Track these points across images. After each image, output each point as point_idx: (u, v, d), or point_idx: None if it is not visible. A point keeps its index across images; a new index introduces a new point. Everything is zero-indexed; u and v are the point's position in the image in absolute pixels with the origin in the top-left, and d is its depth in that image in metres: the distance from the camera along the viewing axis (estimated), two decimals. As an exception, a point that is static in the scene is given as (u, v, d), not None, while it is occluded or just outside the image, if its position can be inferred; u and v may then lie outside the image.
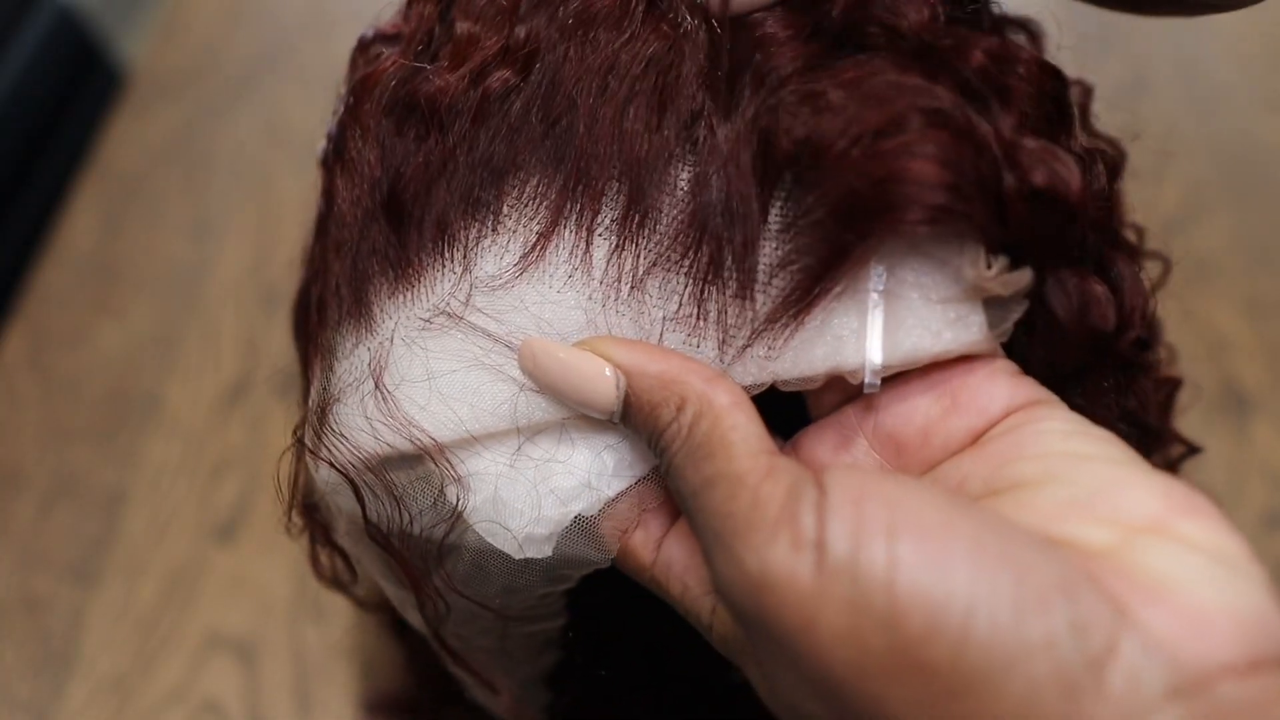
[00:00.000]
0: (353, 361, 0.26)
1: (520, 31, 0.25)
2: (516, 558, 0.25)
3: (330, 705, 0.51)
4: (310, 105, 0.78)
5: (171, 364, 0.64)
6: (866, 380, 0.23)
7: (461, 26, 0.26)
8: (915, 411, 0.24)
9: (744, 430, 0.21)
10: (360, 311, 0.26)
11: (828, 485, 0.20)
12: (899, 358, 0.23)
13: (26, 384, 0.63)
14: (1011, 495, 0.21)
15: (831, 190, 0.22)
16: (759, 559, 0.19)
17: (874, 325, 0.23)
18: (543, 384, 0.24)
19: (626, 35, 0.24)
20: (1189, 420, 0.36)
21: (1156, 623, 0.18)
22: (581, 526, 0.25)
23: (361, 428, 0.25)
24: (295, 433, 0.28)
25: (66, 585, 0.55)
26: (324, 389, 0.27)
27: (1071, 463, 0.21)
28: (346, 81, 0.29)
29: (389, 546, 0.27)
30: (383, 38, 0.30)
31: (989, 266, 0.23)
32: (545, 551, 0.25)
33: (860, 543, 0.18)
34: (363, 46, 0.30)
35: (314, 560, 0.32)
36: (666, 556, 0.25)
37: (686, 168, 0.24)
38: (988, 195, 0.22)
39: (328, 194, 0.28)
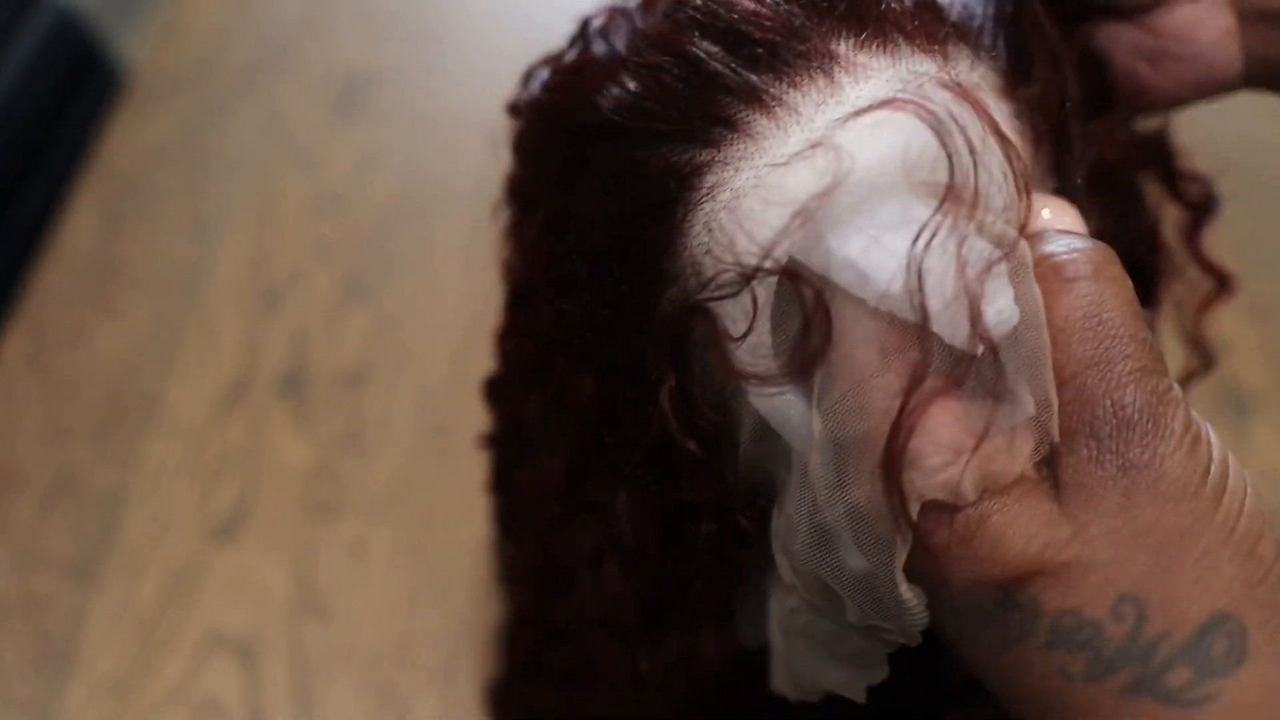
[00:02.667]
0: (824, 110, 0.27)
1: None
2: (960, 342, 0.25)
3: (330, 705, 0.51)
4: (310, 105, 0.78)
5: (171, 364, 0.64)
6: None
7: None
8: None
9: None
10: (832, 71, 0.27)
11: None
12: None
13: (26, 384, 0.63)
14: None
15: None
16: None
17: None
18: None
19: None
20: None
21: None
22: None
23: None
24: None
25: (66, 585, 0.55)
26: (797, 131, 0.27)
27: None
28: None
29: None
30: None
31: None
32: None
33: None
34: None
35: (679, 407, 0.28)
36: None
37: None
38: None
39: None
